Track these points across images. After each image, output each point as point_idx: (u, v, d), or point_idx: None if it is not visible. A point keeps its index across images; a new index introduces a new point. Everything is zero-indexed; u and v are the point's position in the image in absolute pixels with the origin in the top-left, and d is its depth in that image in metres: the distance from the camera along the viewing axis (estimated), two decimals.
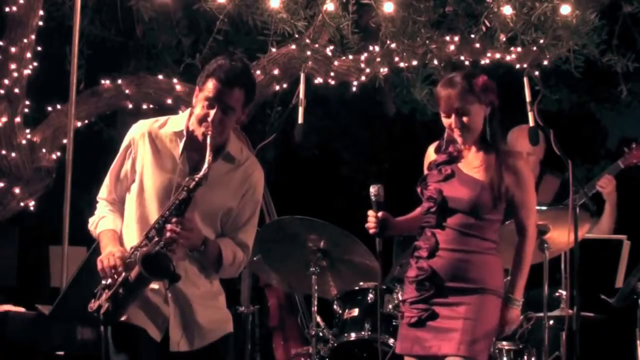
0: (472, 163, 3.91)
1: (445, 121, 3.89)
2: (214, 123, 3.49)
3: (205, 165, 3.41)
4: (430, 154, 4.03)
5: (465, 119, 3.84)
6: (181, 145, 3.58)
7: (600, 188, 5.60)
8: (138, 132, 3.63)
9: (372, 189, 4.00)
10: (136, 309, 3.48)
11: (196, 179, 3.40)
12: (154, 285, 3.48)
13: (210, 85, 3.51)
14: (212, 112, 3.50)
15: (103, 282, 3.47)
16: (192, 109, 3.63)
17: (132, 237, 3.55)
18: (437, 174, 3.93)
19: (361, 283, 4.95)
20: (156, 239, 3.39)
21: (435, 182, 3.91)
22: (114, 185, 3.67)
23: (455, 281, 3.82)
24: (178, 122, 3.65)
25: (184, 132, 3.59)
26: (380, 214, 3.97)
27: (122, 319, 3.49)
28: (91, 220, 3.69)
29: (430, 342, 3.82)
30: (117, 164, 3.66)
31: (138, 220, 3.56)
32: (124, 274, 3.39)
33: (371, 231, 3.99)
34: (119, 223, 3.63)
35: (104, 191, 3.69)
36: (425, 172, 4.00)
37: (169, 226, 3.36)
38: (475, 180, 3.85)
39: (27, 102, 6.37)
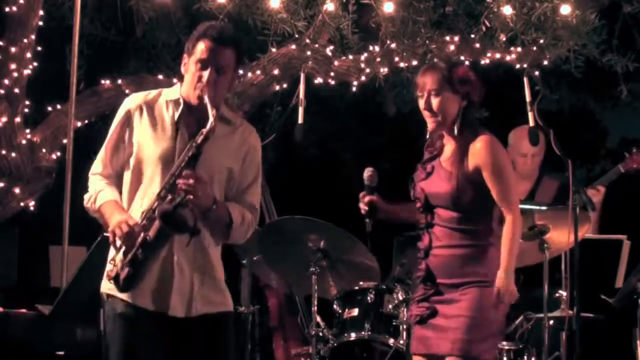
0: (448, 153, 3.92)
1: (420, 103, 3.92)
2: (209, 83, 3.50)
3: (211, 119, 3.40)
4: None
5: (435, 103, 3.85)
6: (178, 112, 3.57)
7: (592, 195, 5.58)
8: (133, 104, 3.63)
9: (366, 173, 4.07)
10: (138, 288, 3.47)
11: (204, 132, 3.40)
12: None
13: (202, 46, 3.53)
14: (206, 73, 3.51)
15: (115, 252, 3.44)
16: (182, 82, 3.64)
17: (136, 208, 3.52)
18: (421, 172, 3.97)
19: (361, 283, 4.95)
20: (169, 197, 3.37)
21: (420, 181, 3.95)
22: (110, 157, 3.62)
23: (450, 277, 3.83)
24: (172, 92, 3.66)
25: (180, 100, 3.59)
26: (367, 197, 4.02)
27: (125, 299, 3.48)
28: (87, 196, 3.62)
29: (432, 341, 3.84)
30: (113, 136, 3.63)
31: (140, 188, 3.54)
32: (142, 234, 3.37)
33: (362, 212, 4.04)
34: (118, 194, 3.58)
35: (98, 165, 3.64)
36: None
37: (181, 180, 3.35)
38: (448, 172, 3.86)
39: (27, 102, 6.37)
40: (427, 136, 3.99)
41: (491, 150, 3.83)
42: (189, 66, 3.58)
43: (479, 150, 3.82)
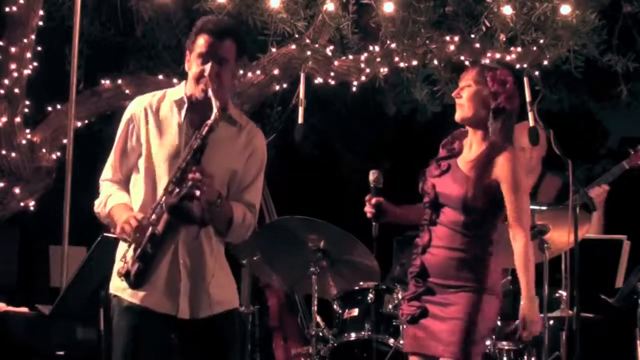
0: (469, 157, 3.93)
1: (453, 94, 4.02)
2: (211, 77, 3.51)
3: (214, 110, 3.42)
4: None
5: (467, 93, 3.92)
6: (183, 112, 3.59)
7: (593, 195, 5.58)
8: (138, 107, 3.64)
9: (371, 175, 4.06)
10: (146, 290, 3.48)
11: (208, 124, 3.41)
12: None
13: (202, 40, 3.55)
14: (208, 67, 3.52)
15: (126, 250, 3.44)
16: (186, 81, 3.65)
17: (140, 207, 3.53)
18: (435, 169, 3.97)
19: (361, 283, 4.95)
20: (177, 190, 3.37)
21: (432, 177, 3.95)
22: (119, 162, 3.64)
23: (445, 279, 3.83)
24: (176, 92, 3.67)
25: (184, 99, 3.60)
26: (374, 199, 4.00)
27: (133, 301, 3.50)
28: (97, 201, 3.64)
29: (426, 342, 3.84)
30: (121, 141, 3.65)
31: (149, 191, 3.55)
32: (150, 229, 3.37)
33: (368, 215, 4.02)
34: (128, 198, 3.60)
35: (108, 171, 3.66)
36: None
37: (189, 174, 3.35)
38: (466, 176, 3.87)
39: (27, 102, 6.37)
40: (452, 135, 4.03)
41: (514, 166, 3.85)
42: (191, 62, 3.59)
43: (502, 163, 3.84)
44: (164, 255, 3.44)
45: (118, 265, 3.50)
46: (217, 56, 3.54)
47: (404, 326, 4.65)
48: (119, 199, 3.58)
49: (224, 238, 3.64)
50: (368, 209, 4.01)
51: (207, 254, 3.57)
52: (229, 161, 3.60)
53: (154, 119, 3.60)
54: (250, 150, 3.66)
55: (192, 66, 3.59)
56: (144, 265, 3.40)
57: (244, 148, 3.65)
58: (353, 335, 4.88)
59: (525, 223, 3.88)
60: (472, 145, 3.95)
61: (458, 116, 3.96)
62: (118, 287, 3.55)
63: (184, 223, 3.38)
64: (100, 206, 3.63)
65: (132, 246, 3.42)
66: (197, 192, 3.34)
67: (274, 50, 6.33)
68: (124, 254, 3.46)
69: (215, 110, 3.42)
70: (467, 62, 6.45)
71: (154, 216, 3.40)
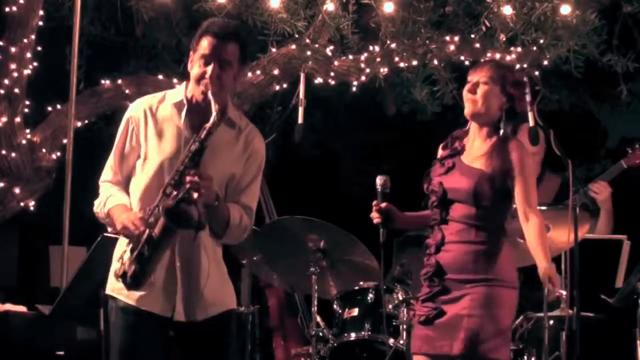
0: (476, 153, 3.94)
1: (465, 88, 3.98)
2: (212, 79, 3.50)
3: (214, 114, 3.41)
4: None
5: (481, 90, 3.91)
6: (183, 114, 3.58)
7: (593, 194, 5.59)
8: (137, 109, 3.64)
9: (379, 180, 4.04)
10: (142, 291, 3.48)
11: (207, 128, 3.40)
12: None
13: (205, 42, 3.54)
14: (209, 69, 3.52)
15: (123, 251, 3.45)
16: (187, 82, 3.64)
17: (138, 209, 3.53)
18: (439, 168, 3.97)
19: (361, 283, 4.95)
20: (174, 193, 3.37)
21: (438, 176, 3.94)
22: (118, 164, 3.64)
23: (461, 273, 3.81)
24: (176, 93, 3.67)
25: (184, 102, 3.60)
26: (384, 204, 3.99)
27: (130, 302, 3.50)
28: (97, 202, 3.64)
29: (440, 342, 3.81)
30: (120, 143, 3.64)
31: (146, 192, 3.54)
32: (147, 231, 3.38)
33: (375, 221, 4.01)
34: (128, 199, 3.60)
35: (108, 173, 3.66)
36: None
37: (187, 177, 3.35)
38: (475, 169, 3.87)
39: (27, 102, 6.37)
40: (451, 136, 4.03)
41: (524, 154, 3.89)
42: (194, 63, 3.59)
43: (513, 149, 3.87)
44: (160, 258, 3.44)
45: (115, 266, 3.51)
46: (220, 58, 3.53)
47: (403, 326, 4.68)
48: (118, 200, 3.58)
49: (220, 239, 3.64)
50: (375, 215, 4.00)
51: (203, 256, 3.56)
52: (227, 164, 3.60)
53: (153, 121, 3.60)
54: (248, 153, 3.65)
55: (194, 67, 3.58)
56: (140, 267, 3.40)
57: (242, 151, 3.64)
58: (353, 335, 4.88)
59: (536, 206, 3.89)
60: (477, 142, 3.96)
61: (469, 111, 3.95)
62: (114, 287, 3.55)
63: (180, 227, 3.37)
64: (99, 206, 3.62)
65: (130, 247, 3.42)
66: (195, 195, 3.34)
67: (274, 50, 6.33)
68: (121, 255, 3.46)
69: (214, 113, 3.41)
70: (467, 62, 6.46)
71: (151, 218, 3.40)
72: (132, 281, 3.43)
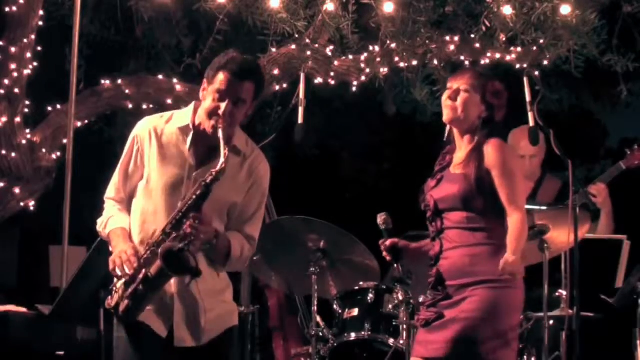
0: (459, 160, 3.94)
1: (445, 94, 3.98)
2: (225, 116, 3.49)
3: (222, 159, 3.40)
4: None
5: (461, 98, 3.90)
6: (189, 140, 3.56)
7: (592, 196, 5.58)
8: (143, 129, 3.62)
9: (379, 219, 4.07)
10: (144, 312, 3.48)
11: (214, 173, 3.39)
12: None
13: (222, 77, 3.52)
14: (224, 105, 3.50)
15: (117, 280, 3.45)
16: (196, 103, 3.63)
17: (137, 233, 3.54)
18: (431, 182, 3.99)
19: (361, 283, 4.95)
20: (174, 234, 3.37)
21: (430, 190, 3.97)
22: (122, 182, 3.63)
23: (461, 278, 3.81)
24: (183, 117, 3.64)
25: (191, 127, 3.59)
26: (388, 242, 4.02)
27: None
28: (100, 220, 3.65)
29: (433, 344, 3.82)
30: (125, 161, 3.64)
31: (145, 217, 3.54)
32: (143, 270, 3.37)
33: (387, 259, 4.04)
34: (128, 221, 3.60)
35: (112, 190, 3.66)
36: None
37: (187, 222, 3.35)
38: (457, 175, 3.88)
39: (27, 102, 6.37)
40: (443, 152, 4.03)
41: (501, 153, 3.86)
42: (207, 94, 3.56)
43: (489, 152, 3.86)
44: (155, 296, 3.45)
45: (108, 295, 3.51)
46: (235, 96, 3.52)
47: (403, 326, 4.68)
48: (118, 223, 3.58)
49: (221, 270, 3.64)
50: (385, 254, 4.03)
51: (201, 284, 3.53)
52: (230, 193, 3.59)
53: (157, 144, 3.59)
54: (252, 181, 3.64)
55: (208, 99, 3.55)
56: (134, 304, 3.41)
57: (246, 179, 3.63)
58: (353, 335, 4.88)
59: (521, 204, 3.86)
60: (460, 149, 3.97)
61: (448, 117, 3.95)
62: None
63: (177, 274, 3.38)
64: (101, 226, 3.64)
65: (124, 280, 3.42)
66: (194, 240, 3.34)
67: (274, 50, 6.33)
68: (115, 284, 3.47)
69: (222, 159, 3.39)
70: (467, 62, 6.46)
71: (148, 254, 3.40)
72: (125, 316, 3.45)
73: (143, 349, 3.50)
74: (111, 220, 3.60)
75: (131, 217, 3.60)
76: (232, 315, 3.69)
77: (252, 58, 3.67)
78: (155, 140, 3.59)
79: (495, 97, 3.94)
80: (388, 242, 4.02)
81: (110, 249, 3.55)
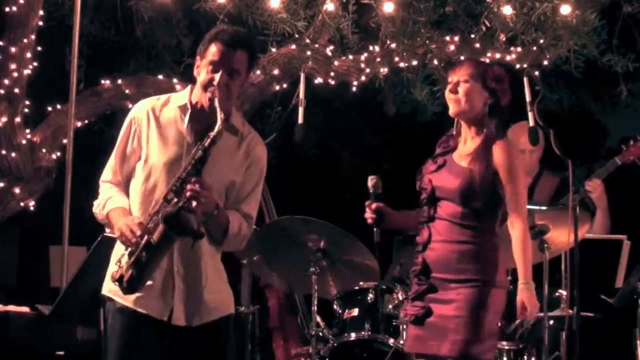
0: (465, 151, 3.94)
1: (447, 89, 3.98)
2: (220, 86, 3.49)
3: (218, 122, 3.39)
4: None
5: (462, 89, 3.91)
6: (186, 118, 3.57)
7: (588, 192, 5.58)
8: (141, 110, 3.62)
9: (370, 181, 4.06)
10: (139, 293, 3.46)
11: (211, 136, 3.39)
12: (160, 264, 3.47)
13: (214, 48, 3.53)
14: (218, 76, 3.50)
15: (124, 251, 3.44)
16: (192, 86, 3.63)
17: (137, 210, 3.53)
18: (431, 165, 3.98)
19: (361, 283, 4.95)
20: (175, 199, 3.37)
21: (429, 173, 3.95)
22: (119, 164, 3.62)
23: (446, 272, 3.82)
24: (180, 97, 3.65)
25: (188, 106, 3.59)
26: (375, 204, 4.00)
27: (126, 304, 3.49)
28: (96, 202, 3.62)
29: (429, 342, 3.83)
30: (122, 143, 3.63)
31: (145, 195, 3.54)
32: (145, 237, 3.36)
33: (369, 221, 4.02)
34: (127, 201, 3.58)
35: (108, 173, 3.64)
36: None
37: (188, 185, 3.35)
38: (462, 168, 3.88)
39: (27, 102, 6.37)
40: (447, 134, 4.03)
41: (510, 155, 3.88)
42: (201, 69, 3.57)
43: (498, 151, 3.87)
44: (158, 264, 3.44)
45: (112, 268, 3.50)
46: (229, 66, 3.52)
47: (403, 326, 4.68)
48: (117, 203, 3.56)
49: (219, 247, 3.63)
50: (368, 215, 4.01)
51: (202, 262, 3.55)
52: (229, 172, 3.59)
53: (156, 123, 3.59)
54: (249, 161, 3.64)
55: (202, 73, 3.56)
56: (137, 272, 3.39)
57: (243, 158, 3.63)
58: (353, 335, 4.88)
59: (523, 211, 3.88)
60: (467, 140, 3.97)
61: (453, 111, 3.96)
62: (111, 289, 3.53)
63: (179, 234, 3.37)
64: (98, 208, 3.61)
65: (128, 251, 3.41)
66: (195, 204, 3.34)
67: (274, 50, 6.34)
68: (119, 259, 3.45)
69: (219, 122, 3.40)
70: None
71: (150, 224, 3.40)
72: (128, 286, 3.42)
73: (137, 333, 3.49)
74: (110, 200, 3.57)
75: (130, 197, 3.59)
76: (229, 302, 3.67)
77: (243, 29, 3.68)
78: (154, 120, 3.59)
79: (496, 81, 3.94)
80: (374, 206, 4.01)
81: (112, 224, 3.51)
